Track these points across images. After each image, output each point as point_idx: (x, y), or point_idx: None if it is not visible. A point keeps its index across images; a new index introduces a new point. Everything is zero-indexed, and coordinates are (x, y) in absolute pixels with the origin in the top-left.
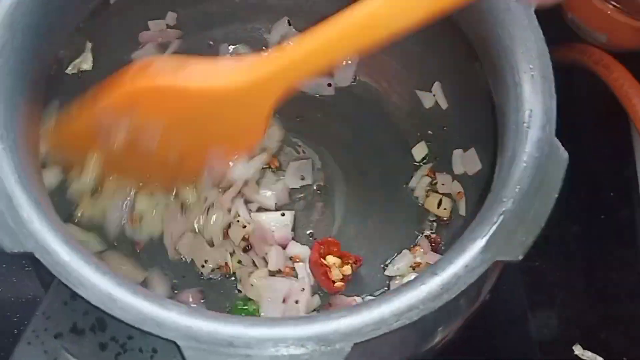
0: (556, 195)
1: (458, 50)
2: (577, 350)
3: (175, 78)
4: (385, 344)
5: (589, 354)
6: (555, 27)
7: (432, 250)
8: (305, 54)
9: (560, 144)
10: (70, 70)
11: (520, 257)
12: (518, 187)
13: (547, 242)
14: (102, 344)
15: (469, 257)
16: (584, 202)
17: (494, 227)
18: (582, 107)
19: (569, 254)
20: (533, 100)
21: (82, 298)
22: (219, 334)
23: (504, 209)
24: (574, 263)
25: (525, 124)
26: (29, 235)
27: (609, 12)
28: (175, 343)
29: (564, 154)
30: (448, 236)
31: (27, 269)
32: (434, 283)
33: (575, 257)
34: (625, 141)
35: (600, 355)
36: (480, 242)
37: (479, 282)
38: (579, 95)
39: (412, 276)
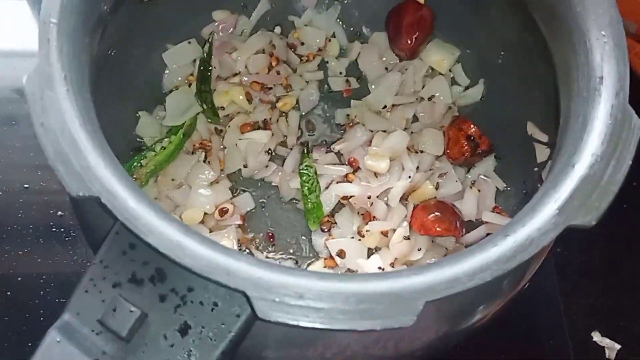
0: (630, 162)
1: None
2: (596, 337)
3: None
4: (441, 311)
5: (607, 341)
6: None
7: None
8: None
9: (633, 111)
10: None
11: (594, 222)
12: (591, 153)
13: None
14: (161, 296)
15: (542, 220)
16: None
17: (568, 191)
18: None
19: (592, 241)
20: (605, 67)
21: (149, 246)
22: (290, 285)
23: (577, 174)
24: (596, 251)
25: (596, 91)
26: (95, 179)
27: None
28: (244, 293)
29: (637, 122)
30: None
31: (53, 229)
32: (506, 244)
33: (598, 245)
34: None
35: (618, 343)
36: (554, 205)
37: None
38: None
39: None
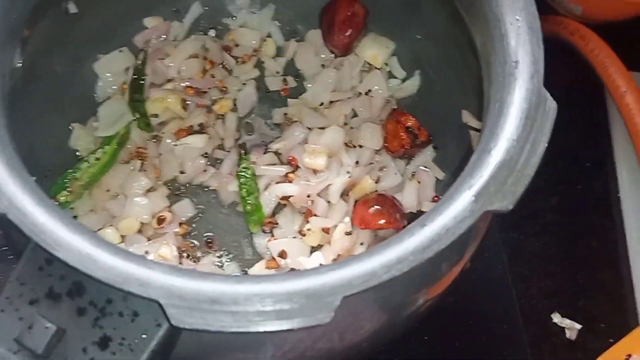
0: (545, 145)
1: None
2: (556, 318)
3: None
4: (371, 302)
5: (567, 321)
6: None
7: None
8: None
9: (548, 94)
10: None
11: (510, 207)
12: (507, 137)
13: (524, 213)
14: (80, 309)
15: (458, 208)
16: (560, 174)
17: (484, 178)
18: (557, 78)
19: (547, 224)
20: (520, 51)
21: (60, 260)
22: (203, 291)
23: (494, 160)
24: (552, 234)
25: (512, 76)
26: (2, 196)
27: None
28: (157, 302)
29: (552, 104)
30: None
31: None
32: (423, 234)
33: (553, 227)
34: (600, 112)
35: (578, 323)
36: (470, 193)
37: (462, 239)
38: (554, 67)
39: None
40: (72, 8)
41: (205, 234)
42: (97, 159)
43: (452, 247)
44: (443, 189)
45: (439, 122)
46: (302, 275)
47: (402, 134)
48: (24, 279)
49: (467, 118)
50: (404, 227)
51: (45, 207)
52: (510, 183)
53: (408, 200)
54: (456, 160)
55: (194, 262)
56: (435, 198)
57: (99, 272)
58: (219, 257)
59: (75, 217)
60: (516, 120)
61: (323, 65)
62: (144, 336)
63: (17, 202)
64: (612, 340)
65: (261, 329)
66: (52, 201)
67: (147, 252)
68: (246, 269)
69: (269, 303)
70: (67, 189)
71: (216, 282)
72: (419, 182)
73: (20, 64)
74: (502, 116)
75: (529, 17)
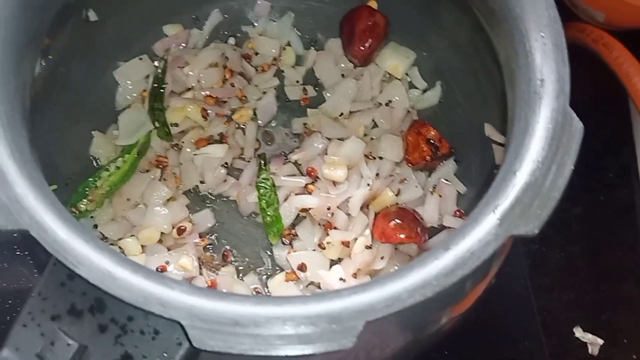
0: (572, 167)
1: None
2: (578, 332)
3: None
4: (395, 324)
5: (589, 336)
6: None
7: None
8: None
9: (574, 114)
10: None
11: (536, 231)
12: (532, 159)
13: (547, 224)
14: (101, 326)
15: (483, 231)
16: (583, 184)
17: (509, 201)
18: (580, 86)
19: (570, 235)
20: (545, 69)
21: (81, 277)
22: (225, 312)
23: (519, 182)
24: (575, 245)
25: (537, 94)
26: (23, 211)
27: None
28: (179, 323)
29: (578, 124)
30: None
31: (17, 253)
32: (447, 258)
33: (576, 239)
34: (624, 121)
35: (600, 337)
36: (495, 215)
37: (487, 262)
38: (576, 75)
39: None
40: (93, 16)
41: (224, 245)
42: (118, 167)
43: (477, 269)
44: (465, 203)
45: (460, 135)
46: (324, 298)
47: (423, 145)
48: (46, 294)
49: (490, 132)
50: (424, 241)
51: (66, 222)
52: (535, 206)
53: (429, 214)
54: (478, 174)
55: (214, 272)
56: (457, 212)
57: (119, 291)
58: (238, 267)
59: (95, 225)
60: (541, 141)
61: (343, 75)
62: (165, 354)
63: (38, 218)
64: (635, 357)
65: (282, 352)
66: (73, 217)
67: (167, 263)
68: (265, 280)
69: (291, 326)
70: (88, 198)
71: (237, 304)
72: (440, 196)
73: (41, 73)
74: (527, 136)
75: (555, 34)
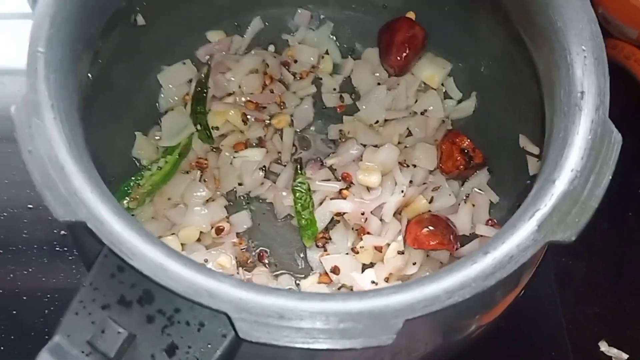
0: (610, 177)
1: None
2: (603, 347)
3: None
4: (428, 326)
5: (614, 350)
6: None
7: None
8: None
9: (613, 125)
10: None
11: (573, 238)
12: (571, 168)
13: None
14: (149, 317)
15: (521, 236)
16: (611, 199)
17: (547, 208)
18: (611, 102)
19: (597, 251)
20: (586, 82)
21: (133, 268)
22: (271, 306)
23: (557, 190)
24: (602, 260)
25: (577, 106)
26: (81, 204)
27: None
28: (226, 314)
29: (617, 136)
30: None
31: (57, 249)
32: (486, 261)
33: (603, 254)
34: None
35: (625, 352)
36: (533, 222)
37: (522, 269)
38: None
39: None
40: (141, 20)
41: (260, 245)
42: (160, 167)
43: (511, 275)
44: (497, 213)
45: (494, 145)
46: (365, 296)
47: (457, 155)
48: (96, 284)
49: (525, 143)
50: (456, 249)
51: (121, 216)
52: (573, 214)
53: (462, 222)
54: (511, 185)
55: (249, 271)
56: (489, 222)
57: (170, 282)
58: (272, 268)
59: None
60: (581, 151)
61: (379, 84)
62: (209, 346)
63: (95, 211)
64: None
65: (325, 346)
66: (126, 211)
67: (206, 260)
68: (298, 282)
69: (333, 322)
70: (130, 196)
71: (283, 298)
72: (473, 205)
73: (91, 73)
74: (567, 146)
75: (596, 47)
